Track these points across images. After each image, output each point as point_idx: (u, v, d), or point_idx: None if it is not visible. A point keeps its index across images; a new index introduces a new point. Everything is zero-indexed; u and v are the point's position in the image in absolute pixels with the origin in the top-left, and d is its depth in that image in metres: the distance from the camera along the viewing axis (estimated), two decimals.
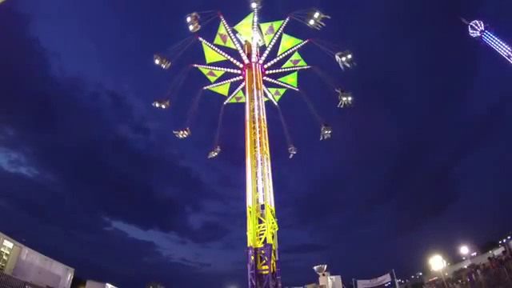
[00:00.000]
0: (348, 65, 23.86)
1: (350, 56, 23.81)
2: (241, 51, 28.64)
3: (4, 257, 18.75)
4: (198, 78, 31.26)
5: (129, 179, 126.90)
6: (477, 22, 54.72)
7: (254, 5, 26.09)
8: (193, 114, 31.04)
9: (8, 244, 19.19)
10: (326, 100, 28.20)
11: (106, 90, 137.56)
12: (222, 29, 28.11)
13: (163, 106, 28.00)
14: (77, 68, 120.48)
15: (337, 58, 24.08)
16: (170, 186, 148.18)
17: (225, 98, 32.90)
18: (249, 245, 19.95)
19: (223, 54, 28.55)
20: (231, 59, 28.70)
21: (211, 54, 29.01)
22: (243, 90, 31.29)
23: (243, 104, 32.48)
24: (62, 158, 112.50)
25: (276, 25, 28.32)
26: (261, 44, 29.49)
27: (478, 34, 54.59)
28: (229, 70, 29.50)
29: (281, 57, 29.47)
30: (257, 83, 27.48)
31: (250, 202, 21.68)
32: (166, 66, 26.85)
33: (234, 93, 32.08)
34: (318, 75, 28.85)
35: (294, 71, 31.11)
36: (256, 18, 27.65)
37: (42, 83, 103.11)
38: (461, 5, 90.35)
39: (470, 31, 55.88)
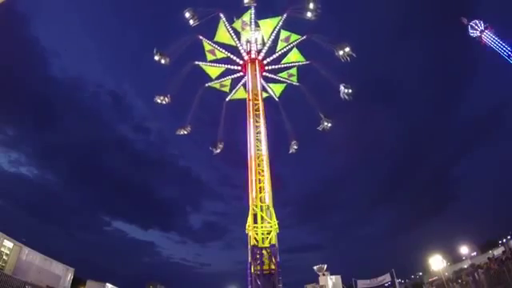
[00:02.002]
0: (348, 58, 24.89)
1: (347, 49, 24.89)
2: (250, 44, 29.09)
3: (4, 257, 18.69)
4: (198, 76, 31.44)
5: (129, 179, 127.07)
6: (477, 21, 54.79)
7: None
8: (194, 112, 31.74)
9: (8, 244, 19.14)
10: (324, 104, 29.19)
11: (106, 89, 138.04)
12: (247, 17, 28.74)
13: (162, 61, 27.84)
14: (77, 68, 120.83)
15: (337, 52, 25.16)
16: (170, 185, 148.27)
17: (225, 94, 32.93)
18: (253, 244, 19.93)
19: (235, 38, 28.80)
20: (239, 44, 29.00)
21: (223, 34, 29.22)
22: (244, 86, 31.40)
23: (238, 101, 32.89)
24: (62, 158, 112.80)
25: (293, 37, 29.07)
26: (260, 42, 29.92)
27: (478, 34, 54.65)
28: (232, 56, 29.61)
29: (282, 59, 30.00)
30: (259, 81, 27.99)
31: (253, 201, 21.75)
32: (194, 23, 27.17)
33: (236, 89, 32.06)
34: (307, 86, 30.61)
35: (293, 67, 31.48)
36: (278, 20, 28.37)
37: (43, 83, 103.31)
38: (461, 5, 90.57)
39: (470, 31, 55.94)
